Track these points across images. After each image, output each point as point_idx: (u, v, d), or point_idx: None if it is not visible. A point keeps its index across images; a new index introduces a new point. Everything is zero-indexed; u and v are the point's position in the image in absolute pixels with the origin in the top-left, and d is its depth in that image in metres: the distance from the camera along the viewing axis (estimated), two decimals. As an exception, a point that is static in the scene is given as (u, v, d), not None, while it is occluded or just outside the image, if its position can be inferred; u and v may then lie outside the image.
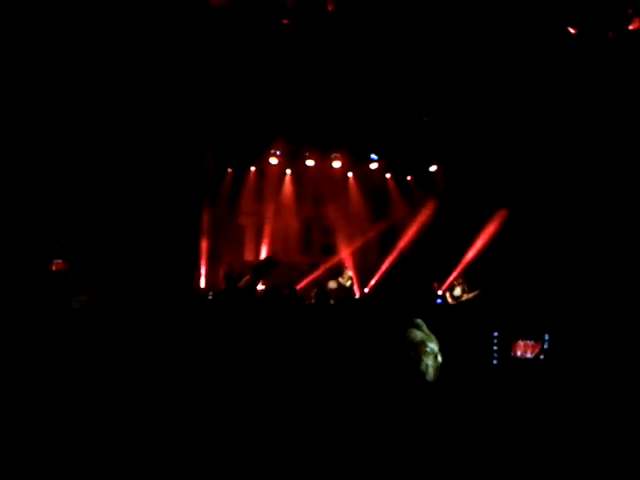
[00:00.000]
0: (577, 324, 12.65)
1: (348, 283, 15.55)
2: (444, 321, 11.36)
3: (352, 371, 7.24)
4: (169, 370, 7.30)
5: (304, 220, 17.88)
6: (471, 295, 14.58)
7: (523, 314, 13.56)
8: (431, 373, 3.73)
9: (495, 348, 13.58)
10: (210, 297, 13.41)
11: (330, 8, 10.75)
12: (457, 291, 14.83)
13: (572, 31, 11.22)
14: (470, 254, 15.74)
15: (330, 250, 16.92)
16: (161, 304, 10.35)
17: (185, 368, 7.50)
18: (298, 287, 15.64)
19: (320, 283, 15.98)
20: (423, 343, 3.83)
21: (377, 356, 7.65)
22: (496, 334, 13.53)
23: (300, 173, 17.69)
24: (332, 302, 14.01)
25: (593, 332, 12.10)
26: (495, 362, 13.43)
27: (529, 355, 13.54)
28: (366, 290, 15.95)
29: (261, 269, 13.40)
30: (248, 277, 15.66)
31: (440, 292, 15.62)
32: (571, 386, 9.56)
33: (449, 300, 14.90)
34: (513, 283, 14.16)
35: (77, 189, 13.84)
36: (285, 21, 10.65)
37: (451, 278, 15.18)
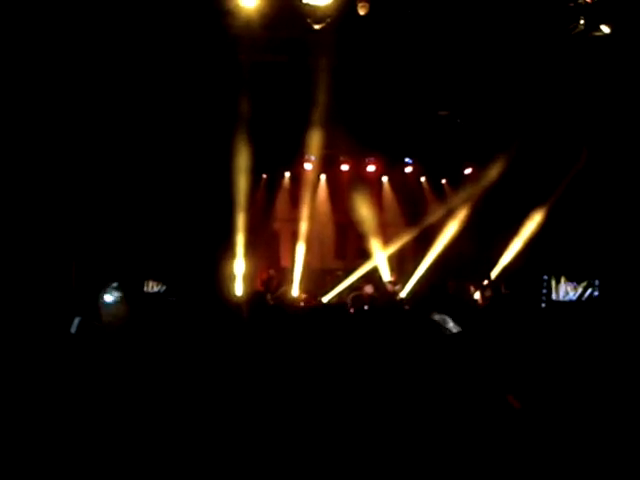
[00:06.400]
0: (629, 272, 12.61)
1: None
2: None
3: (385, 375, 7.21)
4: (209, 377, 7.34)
5: (339, 225, 17.88)
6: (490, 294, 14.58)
7: (569, 257, 13.54)
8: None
9: (544, 291, 13.59)
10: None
11: (362, 12, 10.72)
12: (488, 291, 14.78)
13: (606, 30, 11.10)
14: (507, 256, 15.68)
15: (366, 255, 16.88)
16: (199, 313, 10.44)
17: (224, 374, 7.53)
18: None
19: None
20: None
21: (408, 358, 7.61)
22: (546, 277, 13.50)
23: (335, 178, 17.70)
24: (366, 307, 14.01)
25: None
26: (544, 305, 13.44)
27: (572, 297, 13.54)
28: (403, 295, 15.89)
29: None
30: (286, 287, 15.81)
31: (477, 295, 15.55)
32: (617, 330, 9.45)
33: (479, 301, 14.84)
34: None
35: (106, 200, 13.98)
36: (316, 26, 10.64)
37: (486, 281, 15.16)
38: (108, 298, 9.61)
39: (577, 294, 13.97)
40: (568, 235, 14.29)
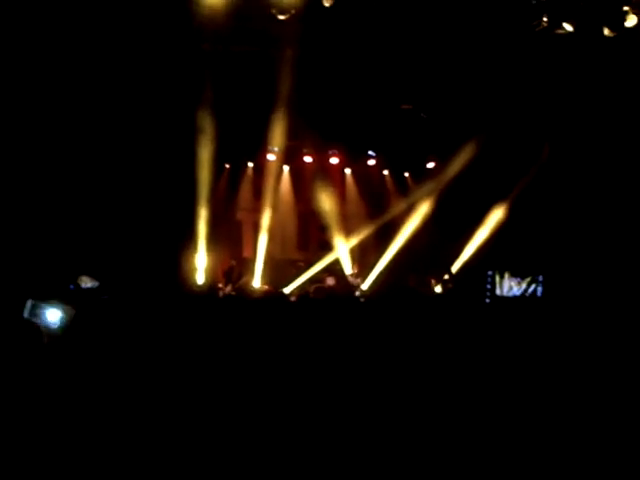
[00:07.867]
0: (572, 268, 12.67)
1: None
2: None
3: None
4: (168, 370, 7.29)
5: (301, 216, 17.86)
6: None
7: (514, 252, 13.59)
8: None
9: (488, 287, 13.65)
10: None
11: (327, 4, 10.69)
12: (449, 285, 14.90)
13: (569, 28, 11.19)
14: (469, 251, 15.76)
15: (327, 247, 16.89)
16: (158, 302, 10.33)
17: (181, 367, 7.48)
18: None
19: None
20: None
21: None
22: (490, 272, 13.55)
23: (298, 169, 17.67)
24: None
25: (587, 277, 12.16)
26: (488, 300, 13.48)
27: (515, 292, 13.66)
28: (364, 287, 15.92)
29: None
30: (247, 278, 15.73)
31: (438, 289, 15.63)
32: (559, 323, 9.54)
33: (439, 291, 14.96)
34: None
35: (68, 188, 13.78)
36: (281, 17, 10.59)
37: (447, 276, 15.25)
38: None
39: (521, 290, 14.11)
40: (523, 231, 14.41)
